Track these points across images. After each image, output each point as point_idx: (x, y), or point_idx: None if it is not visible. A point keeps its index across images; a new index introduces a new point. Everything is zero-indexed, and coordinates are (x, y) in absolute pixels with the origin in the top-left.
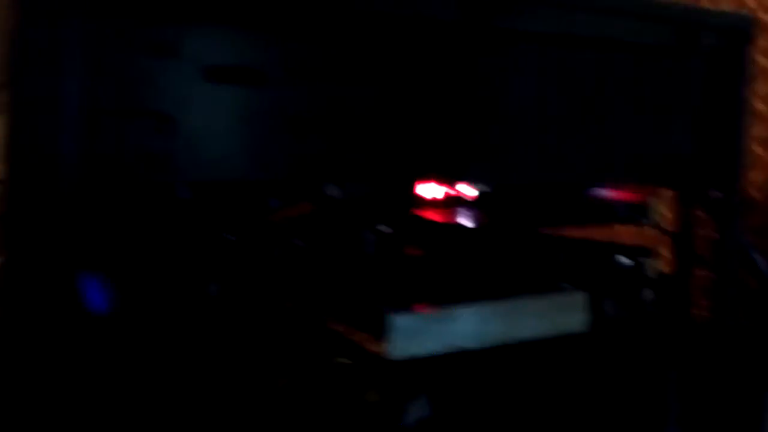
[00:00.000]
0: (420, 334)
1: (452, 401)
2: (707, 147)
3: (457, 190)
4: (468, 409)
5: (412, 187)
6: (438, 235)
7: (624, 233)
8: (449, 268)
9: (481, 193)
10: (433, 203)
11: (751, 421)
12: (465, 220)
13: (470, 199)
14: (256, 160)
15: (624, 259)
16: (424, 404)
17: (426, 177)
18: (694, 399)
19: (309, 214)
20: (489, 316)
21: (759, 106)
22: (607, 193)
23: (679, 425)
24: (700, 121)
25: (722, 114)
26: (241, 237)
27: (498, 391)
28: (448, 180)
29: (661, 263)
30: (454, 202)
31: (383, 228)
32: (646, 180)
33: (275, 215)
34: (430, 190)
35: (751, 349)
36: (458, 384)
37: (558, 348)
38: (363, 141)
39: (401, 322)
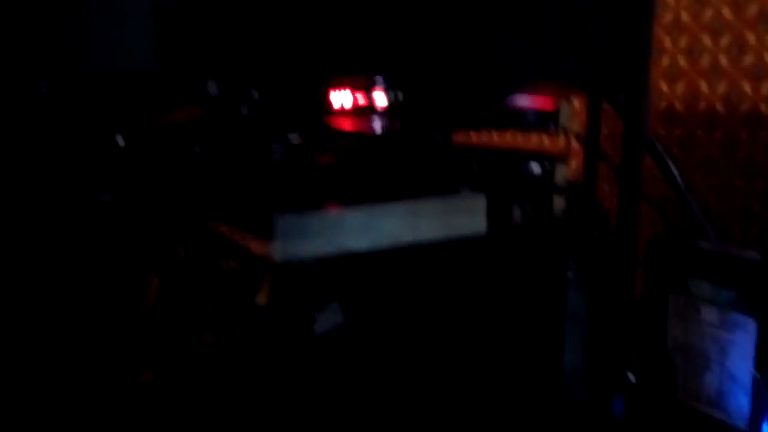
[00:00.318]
0: (307, 235)
1: (362, 308)
2: (615, 48)
3: (368, 99)
4: (378, 315)
5: (322, 95)
6: (348, 143)
7: (534, 140)
8: (356, 176)
9: (393, 102)
10: (344, 112)
11: (654, 325)
12: (376, 129)
13: (382, 108)
14: (126, 50)
15: (533, 166)
16: (337, 311)
17: (336, 80)
18: (597, 305)
19: (201, 119)
20: (380, 218)
21: (683, 16)
22: (517, 100)
23: (580, 331)
24: (608, 21)
25: (630, 14)
26: (133, 141)
27: (408, 295)
28: (359, 84)
29: (571, 170)
30: (365, 111)
31: (292, 137)
32: (556, 78)
33: (161, 118)
34: (340, 98)
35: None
36: (367, 290)
37: (466, 252)
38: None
39: (287, 222)
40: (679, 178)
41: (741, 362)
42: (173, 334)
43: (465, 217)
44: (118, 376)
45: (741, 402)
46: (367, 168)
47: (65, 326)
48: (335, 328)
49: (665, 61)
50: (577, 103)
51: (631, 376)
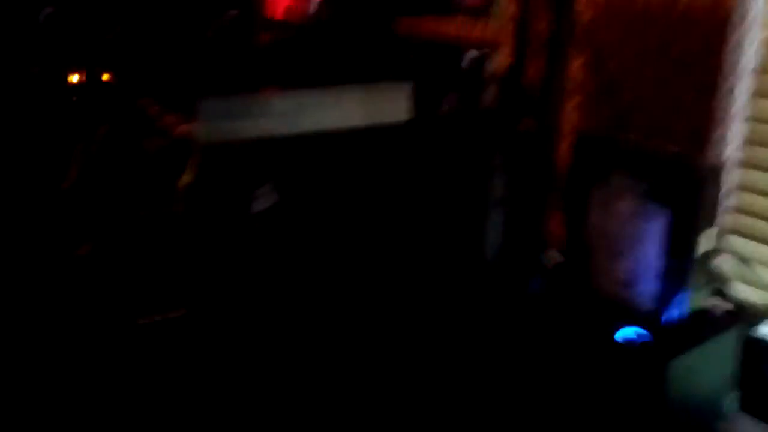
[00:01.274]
0: (231, 118)
1: (295, 189)
2: None
3: None
4: (310, 196)
5: None
6: (285, 25)
7: (470, 27)
8: (290, 60)
9: None
10: None
11: (576, 213)
12: (316, 12)
13: None
14: None
15: (467, 54)
16: (271, 192)
17: None
18: (521, 190)
19: None
20: (304, 103)
21: None
22: None
23: (502, 216)
24: None
25: None
26: (60, 9)
27: (339, 179)
28: None
29: (503, 57)
30: None
31: (231, 13)
32: None
33: None
34: None
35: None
36: (299, 172)
37: (395, 138)
38: None
39: (212, 104)
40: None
41: (653, 250)
42: (106, 210)
43: (389, 104)
44: (56, 250)
45: (651, 287)
46: (301, 51)
47: None
48: (270, 206)
49: None
50: None
51: (552, 257)
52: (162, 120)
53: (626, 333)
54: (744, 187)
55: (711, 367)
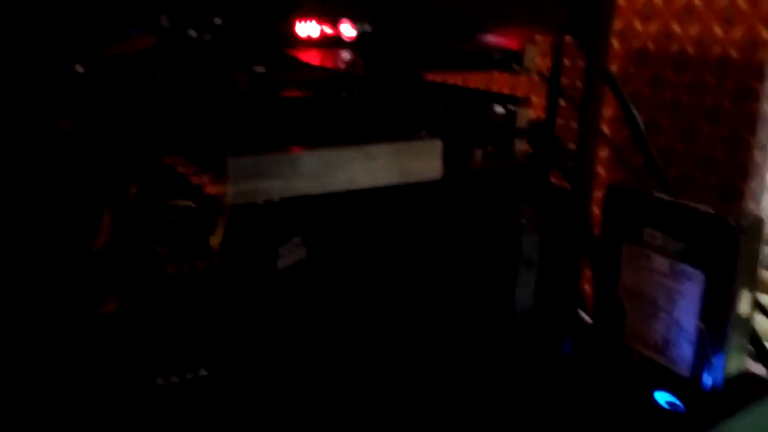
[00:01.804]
0: (260, 176)
1: (323, 245)
2: None
3: (335, 30)
4: (339, 252)
5: (287, 26)
6: (313, 77)
7: (498, 80)
8: (318, 112)
9: (360, 34)
10: (310, 43)
11: (607, 270)
12: (341, 63)
13: (348, 40)
14: None
15: (496, 107)
16: (299, 246)
17: (303, 12)
18: (552, 247)
19: (153, 48)
20: (336, 161)
21: None
22: (482, 39)
23: (532, 274)
24: None
25: None
26: (91, 68)
27: (364, 235)
28: (327, 16)
29: (534, 112)
30: (331, 43)
31: (257, 68)
32: (521, 20)
33: (112, 48)
34: (306, 29)
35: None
36: (324, 230)
37: (423, 193)
38: None
39: (241, 163)
40: (640, 122)
41: (687, 312)
42: (132, 269)
43: (420, 161)
44: (80, 308)
45: (685, 351)
46: (330, 103)
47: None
48: (297, 262)
49: None
50: (541, 41)
51: (583, 317)
52: (191, 179)
53: (661, 398)
54: None
55: None
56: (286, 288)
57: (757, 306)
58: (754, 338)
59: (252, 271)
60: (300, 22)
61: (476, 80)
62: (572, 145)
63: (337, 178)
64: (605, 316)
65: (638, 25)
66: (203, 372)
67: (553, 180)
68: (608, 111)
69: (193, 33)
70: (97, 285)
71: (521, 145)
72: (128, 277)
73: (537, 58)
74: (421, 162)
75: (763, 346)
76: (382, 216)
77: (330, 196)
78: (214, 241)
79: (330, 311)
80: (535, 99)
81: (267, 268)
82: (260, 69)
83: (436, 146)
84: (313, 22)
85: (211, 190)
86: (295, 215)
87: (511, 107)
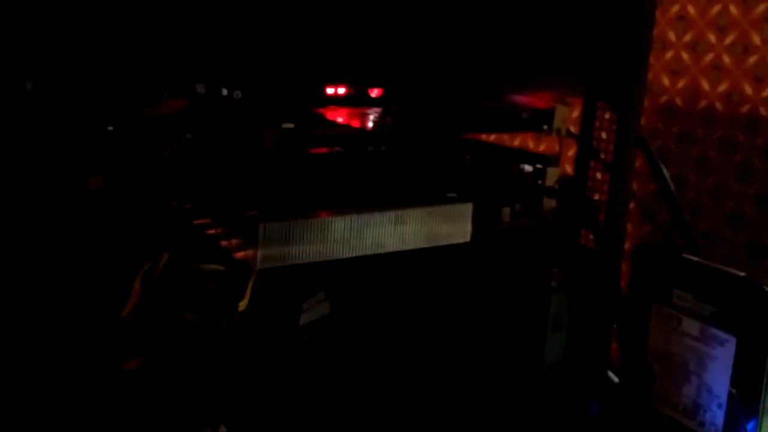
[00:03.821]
0: (290, 241)
1: (346, 310)
2: (612, 52)
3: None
4: (362, 317)
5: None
6: (340, 133)
7: (529, 139)
8: (346, 169)
9: (387, 92)
10: (337, 100)
11: (636, 331)
12: (367, 122)
13: (374, 97)
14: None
15: (525, 167)
16: (323, 303)
17: (333, 80)
18: (581, 308)
19: (186, 110)
20: (362, 226)
21: (690, 10)
22: (512, 99)
23: (561, 336)
24: (604, 24)
25: (627, 18)
26: (122, 128)
27: (392, 296)
28: (356, 85)
29: (563, 171)
30: (357, 100)
31: (285, 125)
32: (552, 84)
33: (145, 111)
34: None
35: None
36: (351, 291)
37: (452, 254)
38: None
39: (271, 230)
40: (670, 182)
41: (718, 377)
42: (157, 333)
43: (450, 225)
44: (104, 364)
45: (715, 416)
46: (358, 160)
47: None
48: (321, 319)
49: (668, 54)
50: (571, 102)
51: (612, 378)
52: (221, 242)
53: None
54: None
55: None
56: (307, 345)
57: None
58: None
59: (274, 327)
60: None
61: (507, 139)
62: (597, 196)
63: (367, 242)
64: (634, 377)
65: (666, 80)
66: (223, 430)
67: (582, 240)
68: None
69: (224, 91)
70: (123, 345)
71: (550, 204)
72: (153, 335)
73: (568, 118)
74: (451, 225)
75: None
76: (410, 275)
77: (358, 260)
78: (242, 305)
79: (355, 369)
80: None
81: (289, 324)
82: (288, 126)
83: (467, 210)
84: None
85: (240, 254)
86: (321, 272)
87: (540, 166)
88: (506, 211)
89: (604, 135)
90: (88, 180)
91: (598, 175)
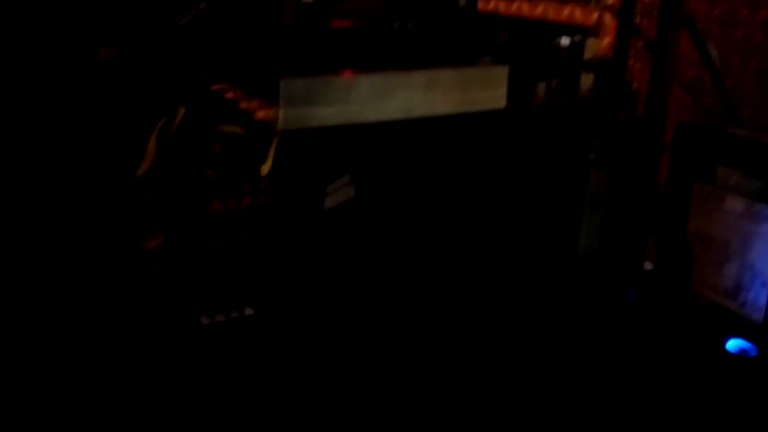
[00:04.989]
0: (313, 100)
1: (373, 182)
2: None
3: None
4: (389, 190)
5: None
6: (363, 6)
7: (566, 12)
8: (373, 40)
9: None
10: None
11: (676, 213)
12: None
13: None
14: None
15: (562, 39)
16: (348, 185)
17: None
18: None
19: None
20: (394, 87)
21: None
22: None
23: (598, 215)
24: None
25: None
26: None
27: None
28: None
29: (602, 45)
30: None
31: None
32: None
33: None
34: None
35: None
36: (378, 162)
37: (486, 125)
38: None
39: (294, 87)
40: (717, 61)
41: (763, 255)
42: (177, 201)
43: (485, 89)
44: (124, 243)
45: (759, 295)
46: (385, 32)
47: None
48: (346, 201)
49: None
50: None
51: (647, 265)
52: (241, 104)
53: (732, 344)
54: None
55: None
56: (332, 228)
57: None
58: None
59: (298, 209)
60: None
61: (543, 10)
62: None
63: (395, 105)
64: (672, 261)
65: None
66: (249, 311)
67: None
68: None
69: None
70: (143, 216)
71: (588, 80)
72: (174, 210)
73: None
74: (485, 90)
75: None
76: (440, 150)
77: (386, 129)
78: (265, 168)
79: (380, 251)
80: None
81: (314, 207)
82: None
83: (503, 73)
84: None
85: (261, 114)
86: (346, 152)
87: (578, 39)
88: (542, 86)
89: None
90: (99, 50)
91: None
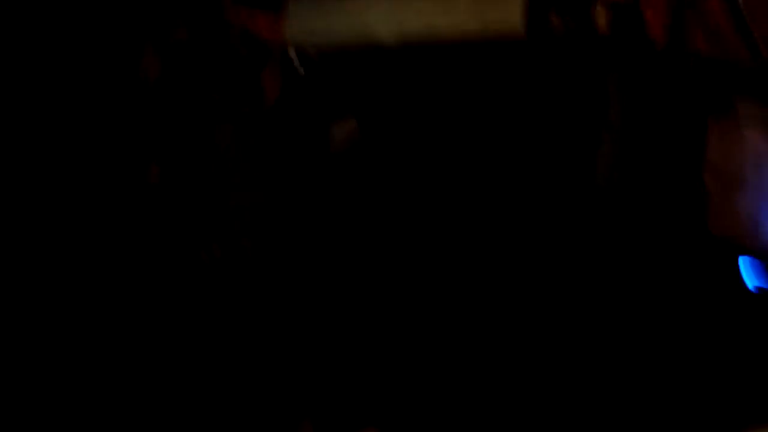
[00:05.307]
0: (323, 17)
1: (383, 112)
2: None
3: None
4: (401, 122)
5: None
6: None
7: None
8: None
9: None
10: None
11: (691, 146)
12: None
13: None
14: None
15: None
16: (353, 127)
17: None
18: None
19: None
20: (405, 4)
21: None
22: None
23: (616, 143)
24: None
25: None
26: None
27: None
28: None
29: None
30: None
31: None
32: None
33: None
34: None
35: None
36: (388, 90)
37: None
38: None
39: (302, 3)
40: None
41: None
42: (178, 126)
43: (503, 10)
44: (123, 175)
45: None
46: None
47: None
48: (351, 145)
49: None
50: None
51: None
52: (247, 20)
53: (748, 280)
54: None
55: None
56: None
57: None
58: None
59: (302, 151)
60: None
61: None
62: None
63: (410, 22)
64: (688, 194)
65: None
66: (246, 242)
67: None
68: None
69: None
70: (142, 144)
71: (602, 14)
72: (171, 141)
73: None
74: (503, 11)
75: None
76: (455, 82)
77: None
78: (272, 86)
79: (388, 190)
80: None
81: (319, 149)
82: None
83: None
84: None
85: (265, 28)
86: (352, 91)
87: None
88: (557, 13)
89: None
90: None
91: None
